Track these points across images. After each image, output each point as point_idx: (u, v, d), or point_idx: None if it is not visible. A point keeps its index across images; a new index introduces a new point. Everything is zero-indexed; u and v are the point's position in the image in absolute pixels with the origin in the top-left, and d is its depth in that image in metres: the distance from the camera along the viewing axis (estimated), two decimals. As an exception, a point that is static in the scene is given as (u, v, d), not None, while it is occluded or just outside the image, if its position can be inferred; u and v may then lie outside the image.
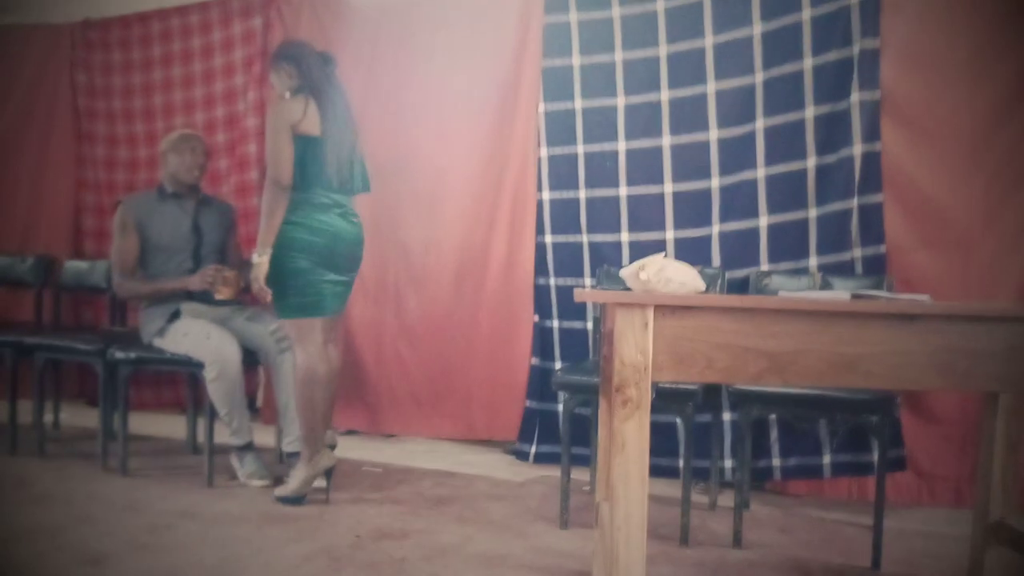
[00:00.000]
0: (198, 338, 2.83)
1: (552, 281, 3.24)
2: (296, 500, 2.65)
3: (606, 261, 3.07)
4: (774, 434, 2.83)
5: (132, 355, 2.91)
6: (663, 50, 3.02)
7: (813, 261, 2.80)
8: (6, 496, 2.68)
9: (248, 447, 2.89)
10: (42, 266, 3.84)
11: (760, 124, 2.86)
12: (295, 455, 2.79)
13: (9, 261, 3.90)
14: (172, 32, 4.01)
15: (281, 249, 2.56)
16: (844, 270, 2.74)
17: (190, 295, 2.99)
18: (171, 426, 3.68)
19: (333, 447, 2.80)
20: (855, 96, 2.69)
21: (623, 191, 3.09)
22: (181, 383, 3.86)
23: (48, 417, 3.51)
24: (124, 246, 3.05)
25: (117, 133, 4.14)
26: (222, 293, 2.86)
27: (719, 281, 2.82)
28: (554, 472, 3.02)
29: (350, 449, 3.31)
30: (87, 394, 4.11)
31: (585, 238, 3.17)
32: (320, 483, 2.71)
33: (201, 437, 3.03)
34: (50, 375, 3.54)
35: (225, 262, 3.07)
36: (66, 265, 3.83)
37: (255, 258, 2.56)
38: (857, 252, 2.73)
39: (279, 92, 2.69)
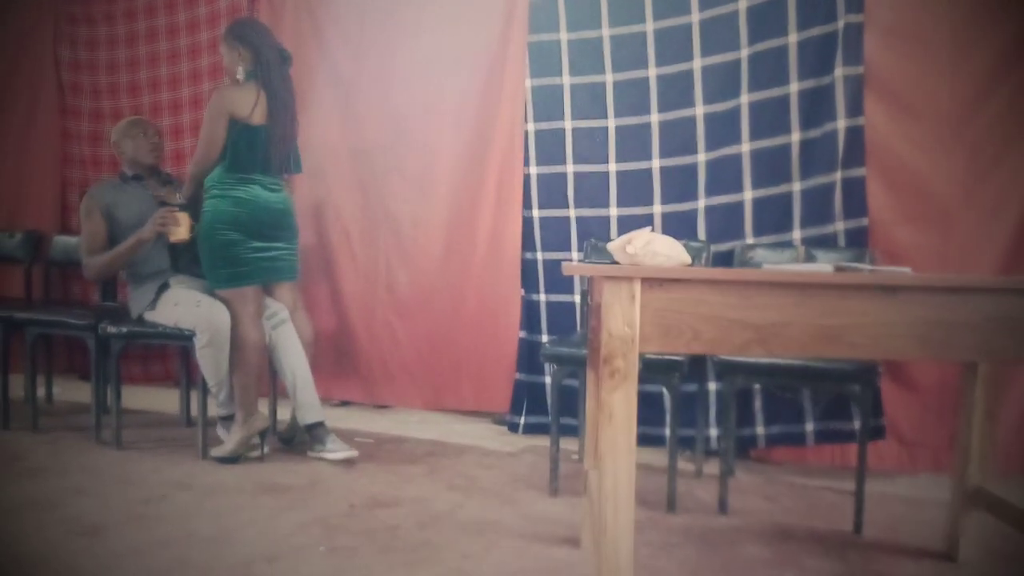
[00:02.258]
0: (188, 306, 2.85)
1: (539, 255, 3.27)
2: (231, 460, 2.81)
3: (593, 235, 3.10)
4: (758, 403, 2.89)
5: (124, 329, 2.93)
6: (650, 26, 3.03)
7: (797, 234, 2.85)
8: (1, 469, 2.70)
9: (233, 418, 2.93)
10: (31, 242, 3.84)
11: (745, 99, 2.89)
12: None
13: (-3, 237, 3.89)
14: (157, 6, 3.98)
15: (209, 224, 2.78)
16: (827, 243, 2.79)
17: (176, 267, 3.01)
18: (164, 400, 3.70)
19: (324, 422, 2.88)
20: (839, 71, 2.72)
21: (612, 167, 3.12)
22: (173, 357, 3.88)
23: (40, 391, 3.52)
24: (91, 229, 3.03)
25: (103, 108, 4.11)
26: (176, 235, 2.83)
27: (704, 254, 2.86)
28: (543, 442, 3.07)
29: (343, 420, 3.36)
30: (78, 368, 4.13)
31: (572, 212, 3.20)
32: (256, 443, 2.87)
33: (195, 410, 3.06)
34: (42, 349, 3.55)
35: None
36: (54, 240, 3.83)
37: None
38: (840, 225, 2.78)
39: (229, 69, 2.82)
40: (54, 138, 4.16)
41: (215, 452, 2.85)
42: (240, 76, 2.80)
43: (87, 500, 2.40)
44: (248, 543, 2.09)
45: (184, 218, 2.82)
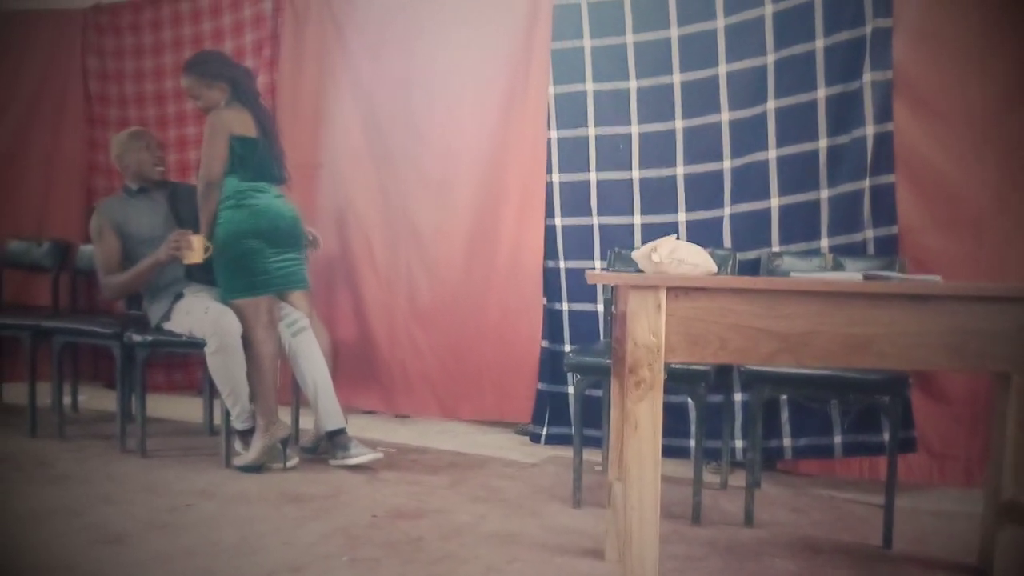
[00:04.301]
0: (197, 313, 2.87)
1: (562, 264, 3.25)
2: (254, 469, 2.81)
3: (617, 243, 3.07)
4: (785, 414, 2.85)
5: (148, 338, 2.95)
6: (674, 32, 3.01)
7: (824, 242, 2.81)
8: (28, 476, 2.73)
9: (251, 432, 2.91)
10: (58, 250, 3.87)
11: (772, 105, 2.85)
12: (337, 432, 2.86)
13: (25, 246, 3.94)
14: (182, 16, 4.01)
15: (228, 234, 2.83)
16: (856, 251, 2.74)
17: (191, 276, 3.02)
18: (187, 408, 3.73)
19: (346, 430, 2.88)
20: (867, 76, 2.68)
21: (635, 174, 3.10)
22: (196, 365, 3.90)
23: (66, 399, 3.55)
24: (105, 248, 3.07)
25: (129, 117, 4.15)
26: (189, 257, 2.86)
27: (730, 262, 2.82)
28: (565, 453, 3.05)
29: (365, 429, 3.35)
30: (103, 376, 4.16)
31: (596, 220, 3.18)
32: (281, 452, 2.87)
33: (218, 419, 3.07)
34: (68, 357, 3.58)
35: None
36: (80, 249, 3.86)
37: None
38: (869, 233, 2.73)
39: (209, 105, 2.93)
40: (81, 147, 4.21)
41: (238, 461, 2.85)
42: (223, 104, 2.91)
43: (112, 508, 2.41)
44: (272, 552, 2.09)
45: (198, 241, 2.86)
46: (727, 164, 2.95)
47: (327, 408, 2.89)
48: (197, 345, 2.87)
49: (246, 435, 2.92)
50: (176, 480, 2.71)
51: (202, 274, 3.00)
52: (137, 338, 2.96)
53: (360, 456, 2.83)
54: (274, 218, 2.89)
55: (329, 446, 2.90)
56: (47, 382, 3.34)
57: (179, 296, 2.99)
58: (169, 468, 2.86)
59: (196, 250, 2.85)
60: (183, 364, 4.03)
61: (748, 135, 2.91)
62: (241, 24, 3.87)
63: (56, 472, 2.79)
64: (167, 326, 2.96)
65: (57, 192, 4.20)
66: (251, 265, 2.85)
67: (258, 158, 2.89)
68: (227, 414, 2.88)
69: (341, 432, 2.86)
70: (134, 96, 4.14)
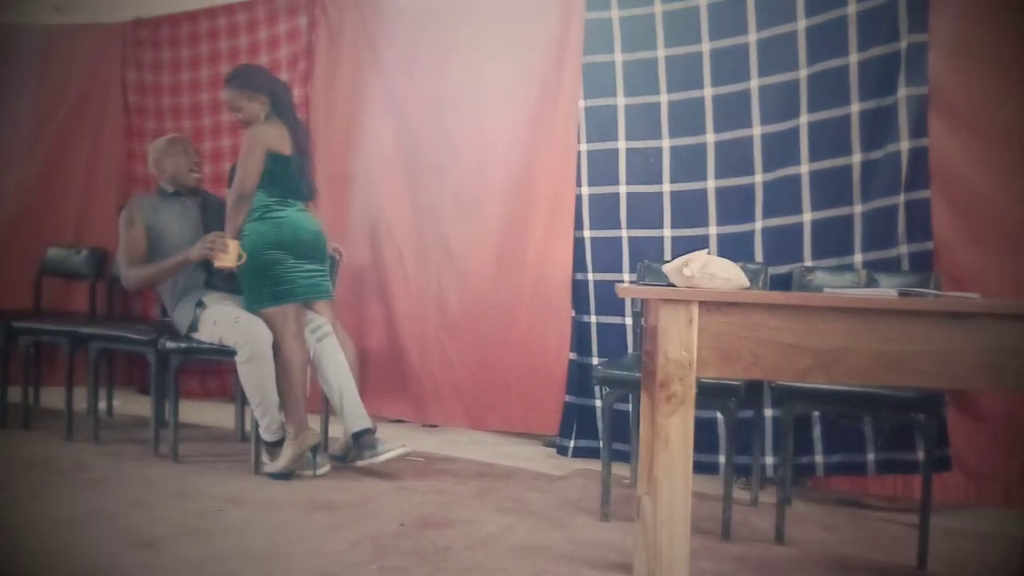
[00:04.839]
0: (227, 322, 2.90)
1: (590, 276, 3.25)
2: (284, 476, 2.84)
3: (646, 256, 3.07)
4: (818, 430, 2.81)
5: (182, 345, 3.00)
6: (706, 46, 3.01)
7: (858, 257, 2.78)
8: (64, 480, 2.78)
9: (278, 444, 2.92)
10: (95, 258, 3.96)
11: (804, 119, 2.84)
12: (363, 433, 2.88)
13: (64, 253, 4.03)
14: (219, 30, 4.09)
15: (253, 245, 2.88)
16: (890, 267, 2.71)
17: (210, 284, 3.07)
18: (219, 414, 3.77)
19: (373, 430, 2.91)
20: (902, 91, 2.66)
21: (666, 187, 3.09)
22: (228, 372, 3.95)
23: (101, 404, 3.61)
24: (131, 238, 3.11)
25: (165, 129, 4.22)
26: (221, 260, 2.86)
27: (762, 277, 2.81)
28: (592, 465, 3.04)
29: (394, 438, 3.36)
30: (137, 382, 4.23)
31: (625, 233, 3.18)
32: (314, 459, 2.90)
33: (249, 426, 3.10)
34: (103, 363, 3.65)
35: None
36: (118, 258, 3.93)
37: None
38: (903, 248, 2.70)
39: (250, 117, 2.97)
40: (120, 158, 4.30)
41: (268, 468, 2.88)
42: (262, 118, 2.96)
43: (145, 512, 2.45)
44: (301, 560, 2.10)
45: (233, 246, 2.87)
46: (759, 178, 2.94)
47: (352, 410, 2.91)
48: (229, 353, 2.91)
49: (274, 447, 2.93)
50: (208, 486, 2.75)
51: (222, 282, 3.05)
52: (171, 345, 3.00)
53: (387, 452, 2.83)
54: (297, 231, 2.95)
55: (356, 447, 2.91)
56: (83, 387, 3.41)
57: (200, 304, 3.02)
58: (201, 474, 2.90)
59: (231, 254, 2.86)
60: (216, 371, 4.09)
61: (780, 149, 2.89)
62: (276, 39, 3.94)
63: (91, 476, 2.84)
64: (196, 336, 3.00)
65: (95, 201, 4.29)
66: (276, 274, 2.90)
67: (289, 175, 2.95)
68: (256, 423, 2.91)
69: (367, 432, 2.88)
70: (171, 108, 4.22)
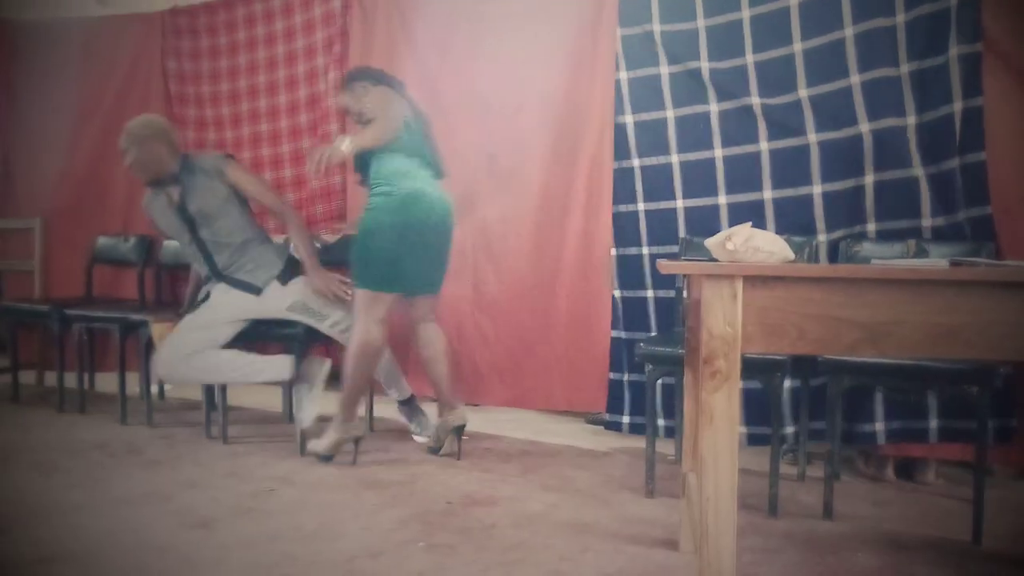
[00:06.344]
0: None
1: (644, 250, 3.20)
2: (325, 458, 2.86)
3: (701, 226, 3.01)
4: (877, 398, 2.73)
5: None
6: (746, 13, 2.93)
7: (921, 222, 2.69)
8: (120, 462, 2.86)
9: (410, 400, 3.25)
10: (143, 246, 4.04)
11: (856, 79, 2.74)
12: (406, 402, 3.11)
13: (113, 241, 4.13)
14: (255, 16, 4.11)
15: (374, 224, 2.75)
16: (952, 232, 2.62)
17: (218, 275, 3.14)
18: (267, 397, 3.84)
19: (463, 426, 2.98)
20: (954, 50, 2.56)
21: (718, 151, 3.03)
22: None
23: (153, 388, 3.71)
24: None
25: (205, 116, 4.29)
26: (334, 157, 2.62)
27: (807, 249, 2.75)
28: (635, 443, 3.03)
29: (434, 416, 3.39)
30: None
31: (680, 203, 3.12)
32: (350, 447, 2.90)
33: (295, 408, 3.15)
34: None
35: (239, 219, 3.14)
36: (164, 244, 4.01)
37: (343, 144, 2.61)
38: (961, 215, 2.60)
39: (369, 113, 2.81)
40: (163, 146, 4.36)
41: (311, 446, 2.89)
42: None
43: (199, 493, 2.51)
44: (351, 538, 2.14)
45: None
46: (812, 138, 2.84)
47: (390, 382, 3.19)
48: (275, 337, 2.95)
49: (308, 434, 2.96)
50: (258, 466, 2.80)
51: (232, 272, 3.10)
52: (219, 330, 3.06)
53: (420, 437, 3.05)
54: (427, 211, 2.76)
55: (454, 447, 2.98)
56: (135, 372, 3.50)
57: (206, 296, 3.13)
58: (251, 455, 2.96)
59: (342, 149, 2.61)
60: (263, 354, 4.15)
61: (832, 110, 2.80)
62: (312, 22, 3.95)
63: (146, 458, 2.92)
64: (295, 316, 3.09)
65: (141, 189, 4.35)
66: (388, 262, 2.74)
67: (417, 138, 2.84)
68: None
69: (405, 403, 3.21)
70: (210, 96, 4.27)
